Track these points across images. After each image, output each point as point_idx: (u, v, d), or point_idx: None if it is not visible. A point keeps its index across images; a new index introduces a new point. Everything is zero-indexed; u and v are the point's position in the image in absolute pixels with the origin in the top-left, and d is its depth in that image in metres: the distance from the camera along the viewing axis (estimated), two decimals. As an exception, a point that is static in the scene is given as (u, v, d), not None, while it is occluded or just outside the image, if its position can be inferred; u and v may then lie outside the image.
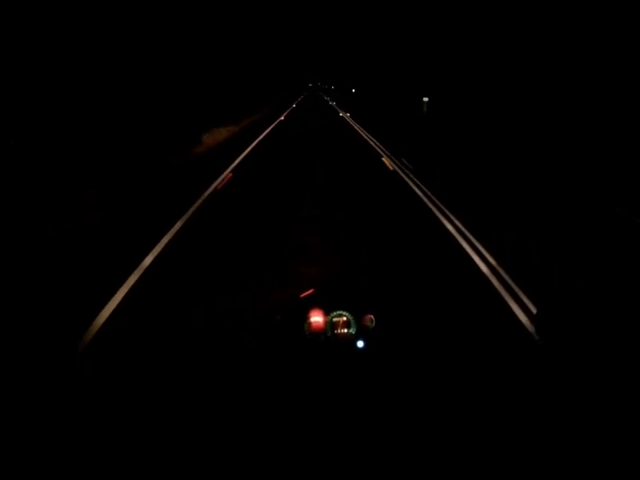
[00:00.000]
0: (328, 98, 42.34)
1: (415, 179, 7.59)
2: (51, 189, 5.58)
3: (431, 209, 5.91)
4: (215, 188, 7.12)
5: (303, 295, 1.39)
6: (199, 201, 6.19)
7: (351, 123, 19.03)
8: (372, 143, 12.91)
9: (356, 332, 1.33)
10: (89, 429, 0.98)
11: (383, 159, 10.14)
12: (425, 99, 20.59)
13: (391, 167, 9.06)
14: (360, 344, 1.30)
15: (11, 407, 1.04)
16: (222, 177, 7.87)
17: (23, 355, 2.24)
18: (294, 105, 33.07)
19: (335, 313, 1.35)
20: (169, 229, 4.93)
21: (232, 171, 8.43)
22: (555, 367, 1.11)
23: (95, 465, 0.89)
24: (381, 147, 11.75)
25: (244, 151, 11.11)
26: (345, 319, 1.35)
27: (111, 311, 3.24)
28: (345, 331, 1.34)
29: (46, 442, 0.94)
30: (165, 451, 0.94)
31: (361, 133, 15.68)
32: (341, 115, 23.79)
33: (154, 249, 4.34)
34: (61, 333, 2.79)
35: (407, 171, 8.33)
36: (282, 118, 21.94)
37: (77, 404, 1.08)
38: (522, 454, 0.93)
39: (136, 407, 1.07)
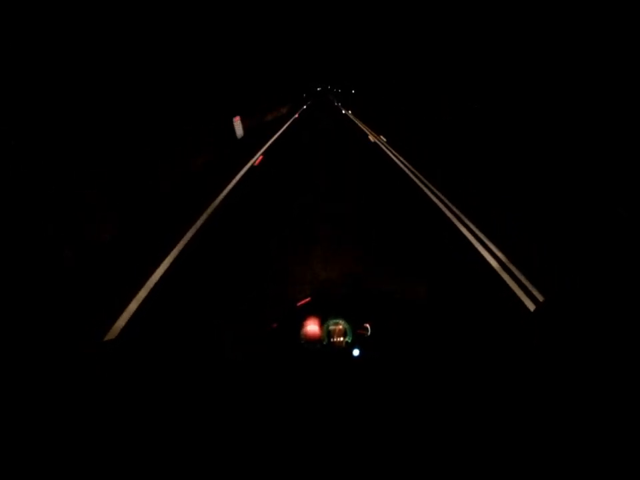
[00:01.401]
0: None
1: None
2: (54, 189, 5.54)
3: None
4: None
5: (299, 304, 1.39)
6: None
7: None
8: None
9: (352, 340, 1.33)
10: (93, 429, 0.99)
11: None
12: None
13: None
14: (356, 352, 1.29)
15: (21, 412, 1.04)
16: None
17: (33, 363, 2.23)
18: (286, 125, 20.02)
19: (331, 321, 1.34)
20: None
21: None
22: (554, 368, 1.11)
23: (94, 463, 0.90)
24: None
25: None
26: (341, 327, 1.34)
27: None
28: (341, 339, 1.33)
29: (52, 441, 0.94)
30: (159, 453, 0.94)
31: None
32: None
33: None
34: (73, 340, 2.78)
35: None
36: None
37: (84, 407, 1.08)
38: (518, 458, 0.92)
39: (134, 408, 1.07)
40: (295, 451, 0.95)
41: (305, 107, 36.13)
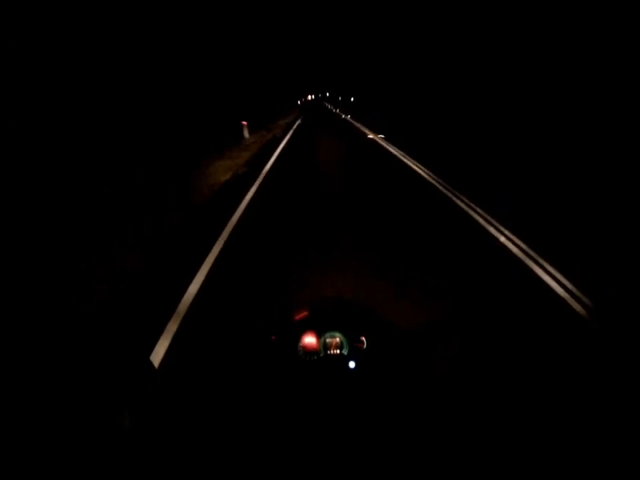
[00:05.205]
0: None
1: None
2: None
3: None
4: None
5: (297, 318, 1.44)
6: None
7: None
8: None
9: (348, 353, 1.37)
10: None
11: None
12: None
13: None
14: (351, 364, 1.34)
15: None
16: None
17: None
18: None
19: (327, 334, 1.39)
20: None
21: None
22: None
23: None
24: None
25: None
26: (337, 340, 1.39)
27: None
28: (338, 351, 1.38)
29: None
30: (161, 460, 0.98)
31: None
32: None
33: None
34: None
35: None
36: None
37: None
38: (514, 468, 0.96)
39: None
40: (293, 457, 1.00)
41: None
